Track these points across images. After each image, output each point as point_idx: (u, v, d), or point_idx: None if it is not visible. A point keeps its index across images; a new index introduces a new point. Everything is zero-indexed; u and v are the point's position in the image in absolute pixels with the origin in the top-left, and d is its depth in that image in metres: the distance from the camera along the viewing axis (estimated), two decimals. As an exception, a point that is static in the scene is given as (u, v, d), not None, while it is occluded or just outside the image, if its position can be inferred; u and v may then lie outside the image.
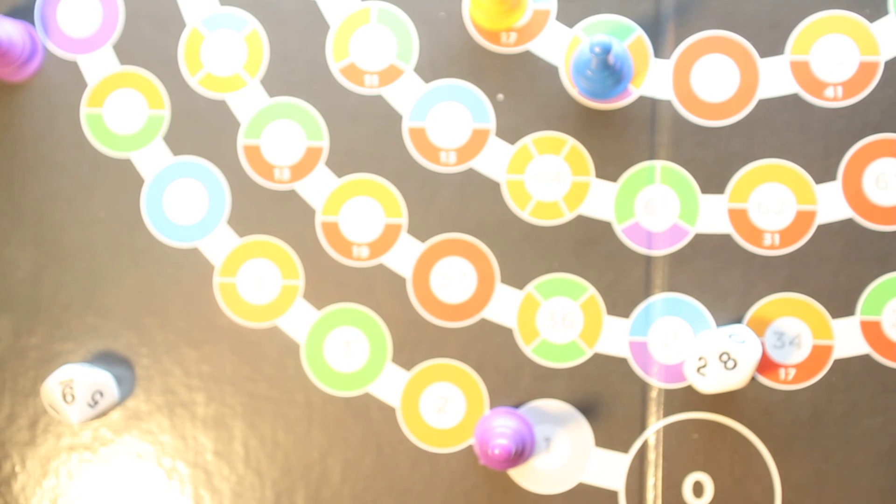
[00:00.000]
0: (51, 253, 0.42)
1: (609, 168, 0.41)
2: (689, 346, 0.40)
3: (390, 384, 0.41)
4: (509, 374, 0.41)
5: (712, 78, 0.41)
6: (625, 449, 0.40)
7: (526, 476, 0.40)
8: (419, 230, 0.41)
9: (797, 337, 0.40)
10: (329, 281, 0.41)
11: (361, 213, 0.42)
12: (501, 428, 0.38)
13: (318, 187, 0.42)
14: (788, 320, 0.40)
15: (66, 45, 0.43)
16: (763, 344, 0.40)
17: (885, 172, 0.40)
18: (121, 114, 0.42)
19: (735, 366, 0.38)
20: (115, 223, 0.42)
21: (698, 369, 0.38)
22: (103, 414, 0.40)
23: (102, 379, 0.40)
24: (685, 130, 0.41)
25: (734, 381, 0.38)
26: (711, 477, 0.40)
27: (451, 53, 0.42)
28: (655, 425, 0.40)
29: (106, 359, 0.42)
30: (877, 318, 0.40)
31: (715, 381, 0.38)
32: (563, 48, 0.41)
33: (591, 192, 0.41)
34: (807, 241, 0.40)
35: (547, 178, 0.41)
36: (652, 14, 0.41)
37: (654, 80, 0.41)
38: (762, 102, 0.41)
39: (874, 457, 0.39)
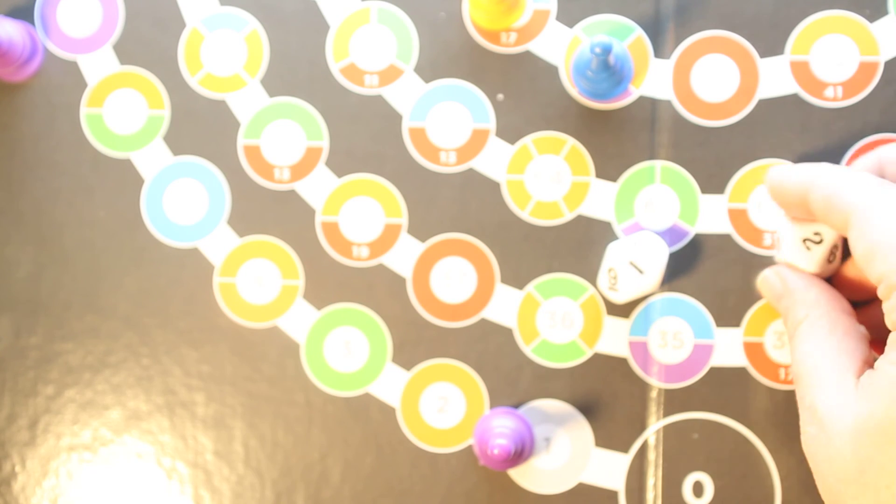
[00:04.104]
0: (51, 253, 0.42)
1: (609, 168, 0.41)
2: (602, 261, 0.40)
3: (390, 384, 0.41)
4: (509, 374, 0.41)
5: (712, 78, 0.41)
6: (625, 449, 0.40)
7: (526, 476, 0.40)
8: (419, 230, 0.41)
9: (797, 337, 0.40)
10: (329, 281, 0.41)
11: (361, 213, 0.42)
12: (500, 428, 0.38)
13: (318, 187, 0.42)
14: (788, 320, 0.40)
15: (66, 45, 0.43)
16: (763, 344, 0.40)
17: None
18: (121, 114, 0.42)
19: (644, 271, 0.38)
20: (115, 223, 0.42)
21: (611, 286, 0.39)
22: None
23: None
24: (685, 130, 0.41)
25: (646, 285, 0.39)
26: (711, 477, 0.40)
27: (451, 53, 0.42)
28: (655, 425, 0.40)
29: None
30: (877, 318, 0.40)
31: (627, 290, 0.39)
32: (563, 48, 0.41)
33: (591, 192, 0.41)
34: (807, 241, 0.40)
35: (547, 178, 0.41)
36: (652, 14, 0.41)
37: (654, 80, 0.41)
38: (762, 102, 0.41)
39: (874, 457, 0.39)
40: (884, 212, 0.31)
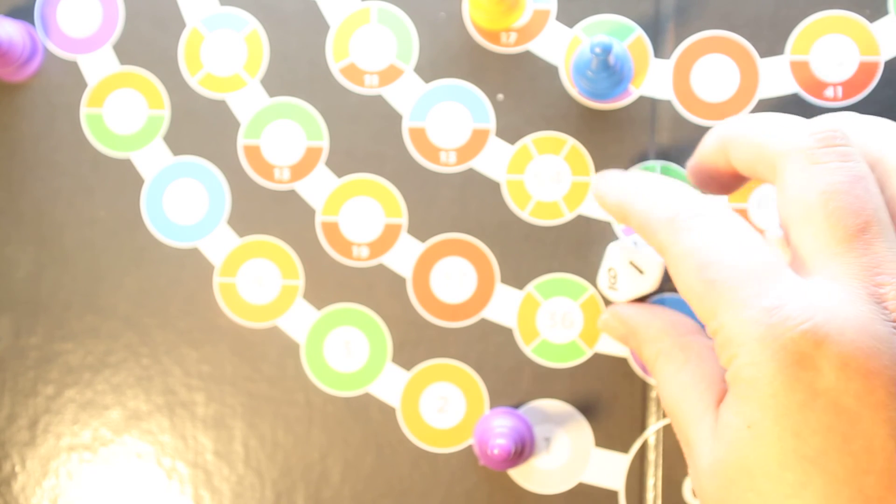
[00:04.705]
0: (51, 253, 0.42)
1: (609, 168, 0.41)
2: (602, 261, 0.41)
3: (390, 384, 0.41)
4: (509, 374, 0.41)
5: (712, 78, 0.41)
6: (625, 449, 0.40)
7: (526, 476, 0.40)
8: (419, 230, 0.41)
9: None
10: (329, 281, 0.41)
11: (361, 213, 0.42)
12: (500, 428, 0.38)
13: (318, 187, 0.42)
14: (788, 320, 0.40)
15: (66, 45, 0.43)
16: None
17: (885, 172, 0.40)
18: (121, 114, 0.42)
19: (644, 271, 0.39)
20: (115, 223, 0.42)
21: (611, 286, 0.39)
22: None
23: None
24: (685, 130, 0.41)
25: (646, 285, 0.39)
26: (711, 477, 0.40)
27: (451, 53, 0.42)
28: (655, 425, 0.40)
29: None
30: (877, 318, 0.40)
31: (627, 290, 0.39)
32: (563, 48, 0.41)
33: (591, 192, 0.41)
34: (807, 241, 0.40)
35: (547, 178, 0.41)
36: (652, 14, 0.41)
37: (654, 80, 0.41)
38: (762, 102, 0.41)
39: (874, 457, 0.39)
40: (679, 262, 0.31)
